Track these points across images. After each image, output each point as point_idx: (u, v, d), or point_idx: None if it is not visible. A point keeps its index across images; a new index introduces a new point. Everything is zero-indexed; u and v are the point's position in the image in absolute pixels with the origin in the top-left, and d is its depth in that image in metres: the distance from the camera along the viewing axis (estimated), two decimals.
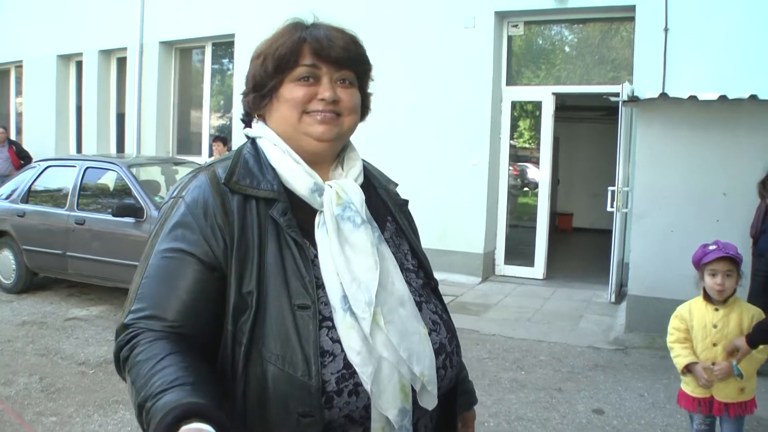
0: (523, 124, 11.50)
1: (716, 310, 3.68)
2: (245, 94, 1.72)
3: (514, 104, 10.32)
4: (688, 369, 3.67)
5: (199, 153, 12.67)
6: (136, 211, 7.48)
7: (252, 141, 1.70)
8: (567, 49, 10.50)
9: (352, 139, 1.78)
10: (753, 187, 6.55)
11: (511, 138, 10.51)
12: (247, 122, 1.77)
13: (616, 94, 7.70)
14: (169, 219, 1.56)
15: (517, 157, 11.47)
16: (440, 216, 9.91)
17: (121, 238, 7.64)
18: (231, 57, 12.07)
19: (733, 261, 3.61)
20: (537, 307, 8.45)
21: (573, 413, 5.15)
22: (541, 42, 10.51)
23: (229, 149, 10.55)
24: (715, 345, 3.64)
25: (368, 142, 9.98)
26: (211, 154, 11.98)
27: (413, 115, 10.06)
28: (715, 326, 3.65)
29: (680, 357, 3.71)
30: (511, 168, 10.63)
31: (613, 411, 5.21)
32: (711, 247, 3.68)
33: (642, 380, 5.88)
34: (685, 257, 7.02)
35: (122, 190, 8.09)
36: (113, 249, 7.67)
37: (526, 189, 12.27)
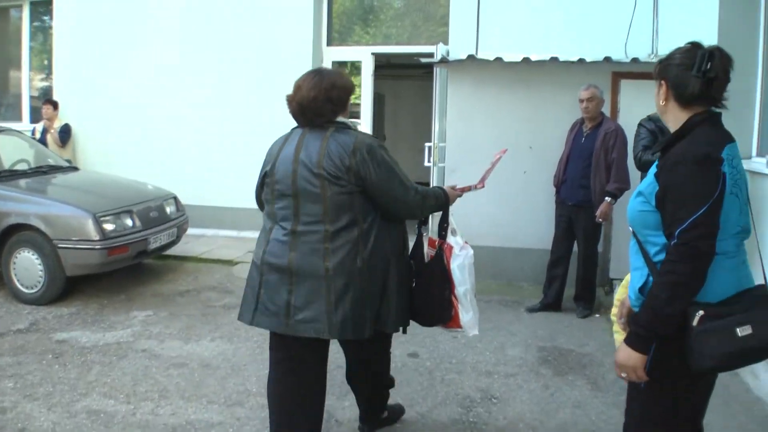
0: (356, 81, 11.69)
1: None
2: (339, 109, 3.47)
3: (335, 64, 10.48)
4: None
5: (19, 118, 12.05)
6: None
7: (340, 123, 3.43)
8: (395, 6, 10.69)
9: None
10: (556, 141, 7.06)
11: None
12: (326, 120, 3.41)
13: (429, 56, 8.01)
14: (389, 154, 3.43)
15: (349, 113, 11.61)
16: None
17: None
18: (51, 15, 11.51)
19: None
20: None
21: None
22: (366, 2, 10.67)
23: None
24: None
25: (189, 109, 10.00)
26: (34, 119, 11.43)
27: (233, 79, 10.07)
28: None
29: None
30: None
31: (427, 353, 5.55)
32: None
33: None
34: (496, 208, 7.58)
35: None
36: None
37: None
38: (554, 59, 7.22)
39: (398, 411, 4.36)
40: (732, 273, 2.44)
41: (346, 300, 3.29)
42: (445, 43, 8.42)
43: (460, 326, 3.73)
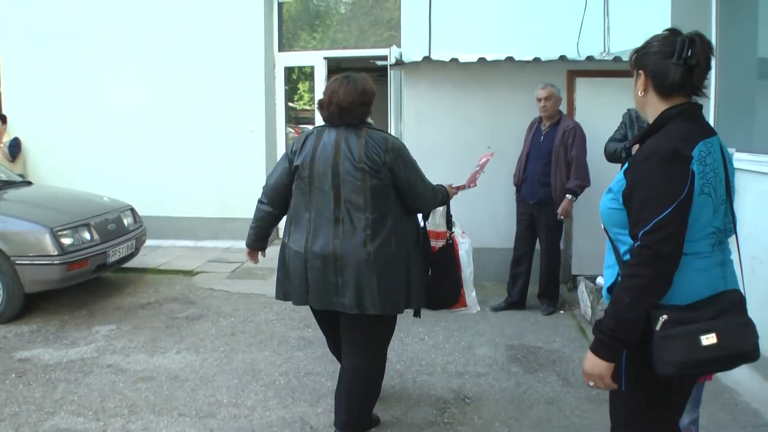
0: (303, 87, 11.67)
1: None
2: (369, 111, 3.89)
3: (288, 69, 10.45)
4: None
5: None
6: None
7: (369, 124, 3.88)
8: (342, 11, 10.73)
9: None
10: (514, 140, 7.12)
11: (291, 101, 10.63)
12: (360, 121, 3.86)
13: (384, 59, 7.99)
14: (408, 152, 3.86)
15: (297, 119, 11.64)
16: (221, 185, 9.94)
17: None
18: None
19: None
20: None
21: None
22: (312, 7, 10.66)
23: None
24: None
25: (141, 118, 9.81)
26: None
27: (185, 87, 9.96)
28: None
29: None
30: (292, 130, 10.77)
31: (396, 356, 5.51)
32: None
33: (422, 326, 6.23)
34: (455, 208, 7.54)
35: None
36: None
37: None
38: (510, 59, 7.26)
39: (374, 420, 4.33)
40: (703, 274, 2.34)
41: (385, 281, 3.77)
42: (396, 46, 8.42)
43: (465, 305, 4.32)
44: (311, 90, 10.89)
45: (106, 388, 4.92)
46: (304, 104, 11.96)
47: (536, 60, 7.23)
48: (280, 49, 10.28)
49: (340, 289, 3.80)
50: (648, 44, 2.46)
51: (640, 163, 2.34)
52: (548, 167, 6.53)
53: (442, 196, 4.21)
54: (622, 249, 2.41)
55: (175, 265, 8.70)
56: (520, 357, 5.56)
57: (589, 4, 7.87)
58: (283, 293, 4.07)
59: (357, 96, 3.79)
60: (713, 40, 5.97)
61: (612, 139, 5.82)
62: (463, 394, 4.82)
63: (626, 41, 7.58)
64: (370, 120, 3.97)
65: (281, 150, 10.37)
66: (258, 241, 4.38)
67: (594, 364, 2.37)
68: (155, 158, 10.08)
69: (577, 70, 7.40)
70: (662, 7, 6.45)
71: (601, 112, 7.05)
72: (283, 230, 4.14)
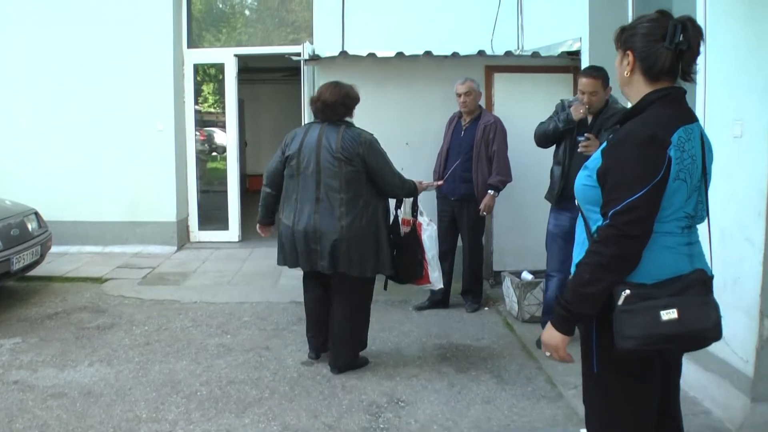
0: (207, 89, 11.35)
1: None
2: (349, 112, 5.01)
3: (196, 67, 10.11)
4: None
5: None
6: None
7: (347, 122, 4.94)
8: (247, 12, 10.53)
9: None
10: (432, 136, 7.04)
11: (196, 103, 10.29)
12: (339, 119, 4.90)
13: (298, 54, 7.82)
14: (381, 147, 4.95)
15: (203, 121, 11.32)
16: (129, 187, 9.52)
17: None
18: None
19: None
20: (236, 269, 8.44)
21: (283, 369, 5.19)
22: (221, 4, 10.39)
23: None
24: None
25: (49, 116, 9.27)
26: None
27: (92, 85, 9.47)
28: None
29: None
30: (197, 133, 10.42)
31: (321, 360, 5.31)
32: None
33: None
34: None
35: None
36: None
37: (214, 153, 12.19)
38: (428, 54, 7.19)
39: (362, 361, 5.25)
40: (671, 252, 2.36)
41: (355, 248, 4.78)
42: (309, 42, 8.26)
43: (429, 282, 5.23)
44: (216, 92, 10.58)
45: (14, 407, 4.54)
46: (209, 106, 11.64)
47: (455, 55, 7.17)
48: (189, 46, 9.93)
49: (318, 255, 4.81)
50: (637, 24, 2.44)
51: (617, 144, 2.35)
52: (469, 163, 6.44)
53: (409, 186, 5.13)
54: (593, 226, 2.43)
55: (83, 272, 8.29)
56: (449, 356, 5.45)
57: (503, 2, 7.88)
58: (282, 260, 5.09)
59: (340, 97, 4.81)
60: None
61: (540, 124, 5.77)
62: (396, 396, 4.67)
63: (540, 38, 7.61)
64: (350, 120, 4.96)
65: (191, 150, 10.08)
66: (266, 217, 5.30)
67: (550, 335, 2.45)
68: (60, 160, 9.51)
69: (495, 66, 7.37)
70: (579, 3, 6.47)
71: (519, 107, 7.07)
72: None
